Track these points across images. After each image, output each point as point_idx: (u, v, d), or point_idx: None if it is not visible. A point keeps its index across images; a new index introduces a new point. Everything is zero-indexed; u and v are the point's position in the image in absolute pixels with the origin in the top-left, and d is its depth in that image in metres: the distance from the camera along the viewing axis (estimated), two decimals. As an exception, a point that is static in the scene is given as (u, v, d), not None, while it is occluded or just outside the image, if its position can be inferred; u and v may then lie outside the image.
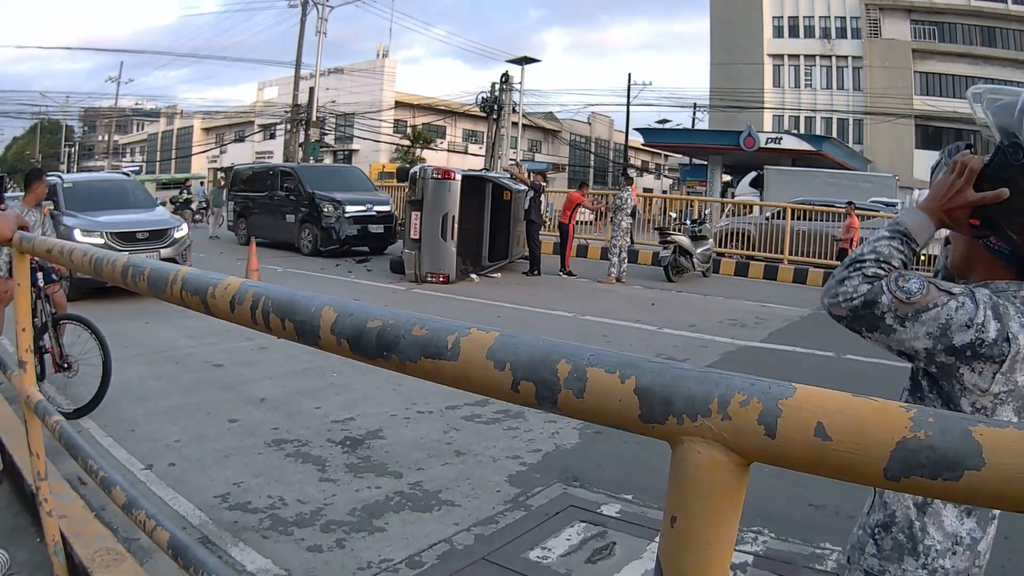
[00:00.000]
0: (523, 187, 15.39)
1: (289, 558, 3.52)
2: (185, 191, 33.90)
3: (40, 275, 5.73)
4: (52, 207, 10.77)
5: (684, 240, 14.90)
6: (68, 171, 65.48)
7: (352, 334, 1.06)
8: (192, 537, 3.10)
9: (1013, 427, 0.64)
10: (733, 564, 3.50)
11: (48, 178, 12.02)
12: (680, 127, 44.17)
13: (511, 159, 25.88)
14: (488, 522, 3.95)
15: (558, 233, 16.04)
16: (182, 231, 12.04)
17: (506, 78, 25.17)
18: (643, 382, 0.77)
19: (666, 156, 62.48)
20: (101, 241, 10.63)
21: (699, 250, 15.27)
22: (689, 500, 0.75)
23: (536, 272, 14.68)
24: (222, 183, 27.23)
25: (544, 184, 15.67)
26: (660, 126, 43.46)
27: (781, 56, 46.71)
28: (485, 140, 35.64)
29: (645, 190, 34.15)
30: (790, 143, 32.61)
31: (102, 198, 12.34)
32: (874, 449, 0.67)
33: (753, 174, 27.72)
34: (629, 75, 46.69)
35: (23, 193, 6.85)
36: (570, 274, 15.02)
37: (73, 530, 3.22)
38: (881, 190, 24.38)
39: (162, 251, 11.28)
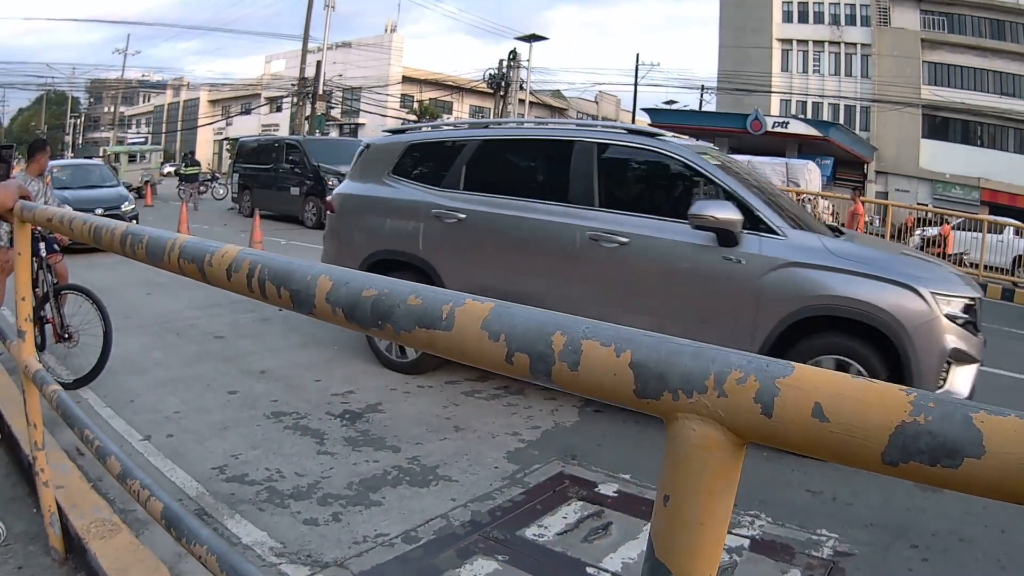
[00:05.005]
0: None
1: (285, 531, 3.53)
2: (191, 163, 25.76)
3: (42, 245, 5.72)
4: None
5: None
6: (73, 143, 65.35)
7: (347, 303, 1.05)
8: (188, 509, 3.11)
9: (1015, 415, 0.62)
10: (729, 547, 3.51)
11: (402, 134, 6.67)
12: (687, 108, 44.00)
13: None
14: (485, 498, 3.96)
15: None
16: None
17: (514, 55, 25.02)
18: (638, 356, 0.75)
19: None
20: None
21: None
22: (683, 478, 0.74)
23: None
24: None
25: None
26: (667, 107, 43.27)
27: (790, 41, 46.31)
28: (491, 116, 35.52)
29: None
30: (797, 128, 32.53)
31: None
32: (872, 432, 0.65)
33: None
34: (637, 55, 46.56)
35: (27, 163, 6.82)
36: None
37: (69, 501, 3.22)
38: None
39: None
